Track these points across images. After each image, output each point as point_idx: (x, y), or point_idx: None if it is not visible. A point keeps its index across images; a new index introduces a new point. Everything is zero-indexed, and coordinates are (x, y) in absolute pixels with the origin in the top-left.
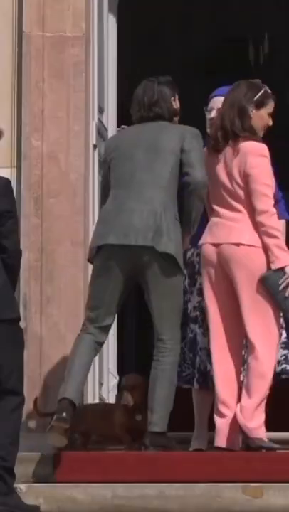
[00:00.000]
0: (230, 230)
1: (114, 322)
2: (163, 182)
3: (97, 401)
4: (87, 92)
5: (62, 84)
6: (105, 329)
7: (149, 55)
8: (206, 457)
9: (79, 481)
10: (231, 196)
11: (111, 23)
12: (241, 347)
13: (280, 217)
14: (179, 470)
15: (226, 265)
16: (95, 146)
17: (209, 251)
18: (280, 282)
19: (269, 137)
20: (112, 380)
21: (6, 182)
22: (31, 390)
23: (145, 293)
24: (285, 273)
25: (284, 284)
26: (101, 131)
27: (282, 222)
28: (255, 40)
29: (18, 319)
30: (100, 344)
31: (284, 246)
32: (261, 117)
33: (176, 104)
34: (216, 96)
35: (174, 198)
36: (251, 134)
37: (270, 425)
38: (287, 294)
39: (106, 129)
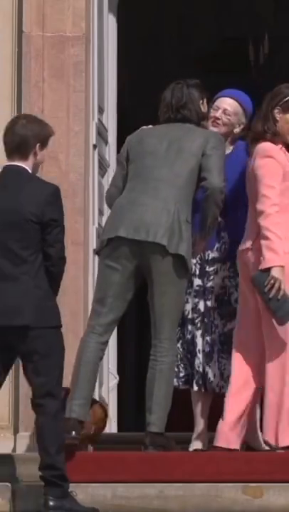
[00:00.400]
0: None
1: (118, 318)
2: (180, 182)
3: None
4: (87, 92)
5: (62, 84)
6: (110, 325)
7: (149, 55)
8: (206, 457)
9: (79, 481)
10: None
11: (111, 23)
12: (263, 356)
13: None
14: (178, 470)
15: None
16: (95, 146)
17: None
18: (265, 283)
19: None
20: (112, 380)
21: (55, 190)
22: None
23: (149, 290)
24: (269, 274)
25: (268, 285)
26: (101, 131)
27: None
28: (255, 40)
29: (61, 326)
30: (105, 344)
31: (274, 247)
32: (287, 121)
33: (204, 108)
34: (225, 97)
35: (190, 199)
36: (273, 137)
37: None
38: (271, 296)
39: (106, 129)
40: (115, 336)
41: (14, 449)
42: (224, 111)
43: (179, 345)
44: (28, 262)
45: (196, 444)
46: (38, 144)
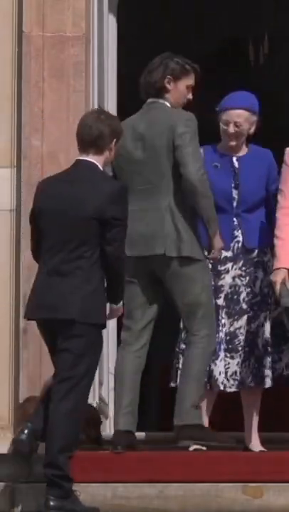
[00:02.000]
0: None
1: (149, 323)
2: (165, 182)
3: (97, 401)
4: (87, 92)
5: (62, 84)
6: (141, 331)
7: (149, 54)
8: (206, 457)
9: (79, 481)
10: None
11: (111, 23)
12: None
13: None
14: (178, 470)
15: None
16: None
17: None
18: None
19: (269, 137)
20: (113, 380)
21: (120, 188)
22: (31, 389)
23: (168, 296)
24: None
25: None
26: None
27: None
28: (255, 40)
29: (104, 325)
30: (140, 349)
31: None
32: None
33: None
34: (232, 109)
35: (179, 196)
36: None
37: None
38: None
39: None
40: (115, 336)
41: None
42: (235, 124)
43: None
44: (83, 258)
45: (196, 444)
46: (114, 140)
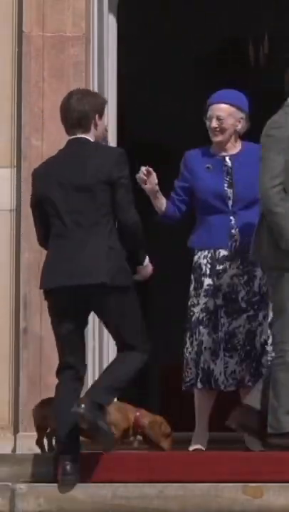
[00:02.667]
0: None
1: None
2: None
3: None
4: None
5: (62, 84)
6: None
7: (149, 54)
8: (206, 457)
9: (79, 481)
10: None
11: (111, 23)
12: None
13: None
14: (178, 470)
15: None
16: None
17: None
18: None
19: None
20: None
21: (121, 151)
22: (31, 389)
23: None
24: None
25: None
26: None
27: None
28: (255, 40)
29: (132, 286)
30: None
31: None
32: None
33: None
34: (214, 104)
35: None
36: None
37: None
38: None
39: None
40: None
41: (14, 449)
42: (218, 118)
43: (188, 345)
44: (100, 224)
45: (196, 444)
46: (96, 115)
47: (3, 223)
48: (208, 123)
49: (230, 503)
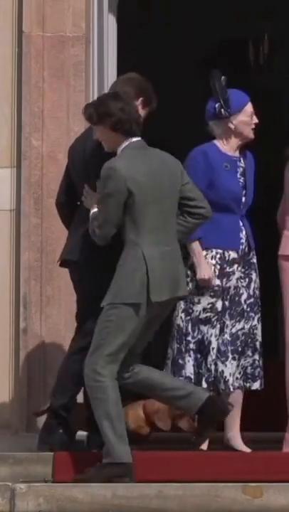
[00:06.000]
0: None
1: None
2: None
3: None
4: (87, 92)
5: (62, 84)
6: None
7: (149, 54)
8: (206, 457)
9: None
10: None
11: (111, 23)
12: None
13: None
14: (178, 470)
15: None
16: None
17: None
18: None
19: (271, 137)
20: None
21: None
22: (31, 389)
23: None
24: None
25: None
26: None
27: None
28: (255, 40)
29: None
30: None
31: None
32: None
33: None
34: (248, 101)
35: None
36: None
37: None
38: None
39: None
40: None
41: (14, 449)
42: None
43: (192, 345)
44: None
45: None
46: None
47: (3, 223)
48: (248, 120)
49: (230, 503)
